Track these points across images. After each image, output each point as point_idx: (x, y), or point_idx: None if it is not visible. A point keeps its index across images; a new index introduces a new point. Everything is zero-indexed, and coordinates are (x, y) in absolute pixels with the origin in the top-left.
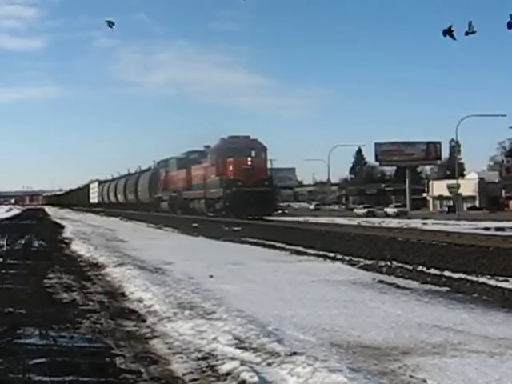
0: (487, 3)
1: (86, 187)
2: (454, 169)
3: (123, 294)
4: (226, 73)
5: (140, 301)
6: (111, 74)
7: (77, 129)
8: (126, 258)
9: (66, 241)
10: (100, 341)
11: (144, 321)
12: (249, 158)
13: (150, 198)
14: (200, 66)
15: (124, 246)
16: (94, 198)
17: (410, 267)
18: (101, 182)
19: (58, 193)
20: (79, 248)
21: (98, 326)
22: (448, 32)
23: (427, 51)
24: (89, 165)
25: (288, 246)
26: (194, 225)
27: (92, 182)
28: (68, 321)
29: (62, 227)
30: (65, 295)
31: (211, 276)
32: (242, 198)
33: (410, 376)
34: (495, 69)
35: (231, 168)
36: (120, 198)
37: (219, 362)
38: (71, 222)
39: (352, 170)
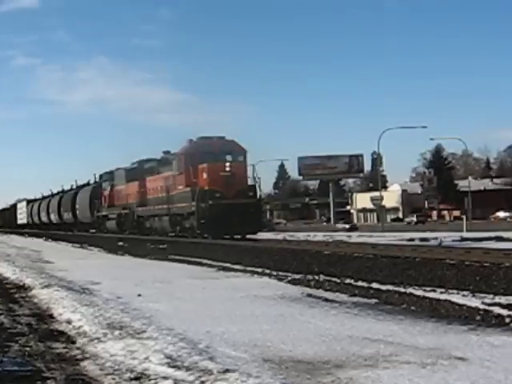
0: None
1: (13, 207)
2: (376, 181)
3: (52, 316)
4: (148, 90)
5: (69, 322)
6: (32, 93)
7: None
8: (53, 279)
9: None
10: (30, 364)
11: (74, 342)
12: (227, 164)
13: (91, 217)
14: (122, 84)
15: (50, 267)
16: (22, 219)
17: (338, 280)
18: (30, 201)
19: None
20: (4, 270)
21: (28, 348)
22: None
23: (348, 64)
24: (14, 185)
25: (215, 263)
26: (120, 243)
27: (19, 201)
28: None
29: None
30: None
31: (139, 295)
32: (221, 213)
33: None
34: (415, 80)
35: (205, 176)
36: (53, 217)
37: (152, 381)
38: None
39: (275, 185)
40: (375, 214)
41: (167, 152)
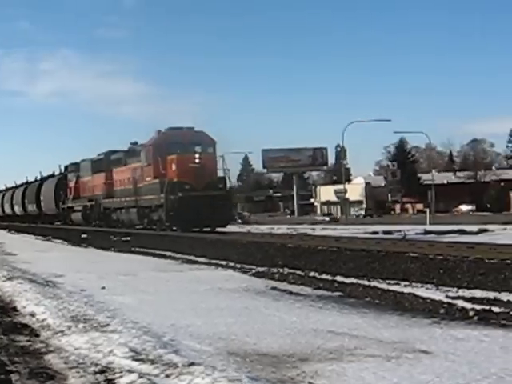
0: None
1: None
2: (340, 174)
3: (15, 309)
4: (111, 81)
5: (32, 315)
6: None
7: None
8: (16, 271)
9: None
10: None
11: (38, 335)
12: (196, 155)
13: (56, 209)
14: (86, 75)
15: (13, 259)
16: None
17: (302, 273)
18: None
19: None
20: None
21: None
22: None
23: (312, 58)
24: None
25: (178, 255)
26: (83, 236)
27: None
28: None
29: None
30: None
31: (103, 287)
32: (190, 206)
33: (309, 383)
34: (379, 74)
35: (174, 167)
36: (17, 209)
37: (117, 375)
38: None
39: (239, 178)
40: (339, 207)
41: (135, 143)
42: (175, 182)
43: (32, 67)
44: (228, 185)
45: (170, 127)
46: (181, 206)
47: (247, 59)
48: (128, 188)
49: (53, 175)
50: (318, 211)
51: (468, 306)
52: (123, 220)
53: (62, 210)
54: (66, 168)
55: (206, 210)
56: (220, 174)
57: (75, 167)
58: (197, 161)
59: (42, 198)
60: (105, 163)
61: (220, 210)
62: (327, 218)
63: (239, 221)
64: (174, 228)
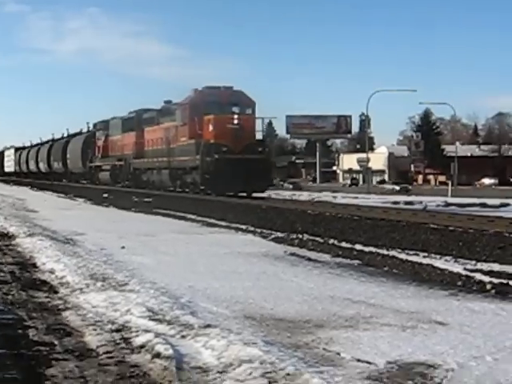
0: None
1: (0, 154)
2: (363, 143)
3: (35, 265)
4: (138, 42)
5: (52, 272)
6: (22, 41)
7: None
8: (37, 228)
9: None
10: (12, 312)
11: (56, 292)
12: (235, 116)
13: (83, 168)
14: (112, 35)
15: (34, 216)
16: (9, 167)
17: (322, 240)
18: (18, 149)
19: None
20: None
21: (10, 297)
22: None
23: (339, 27)
24: (2, 132)
25: (199, 218)
26: (105, 195)
27: (7, 148)
28: None
29: None
30: None
31: (123, 247)
32: (227, 169)
33: (324, 349)
34: (406, 44)
35: (211, 128)
36: (42, 166)
37: (133, 334)
38: None
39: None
40: (361, 176)
41: (169, 102)
42: (212, 144)
43: (59, 25)
44: (267, 148)
45: (207, 86)
46: (217, 169)
47: (273, 25)
48: (160, 148)
49: (80, 133)
50: (340, 179)
51: (486, 279)
52: (154, 181)
53: (89, 169)
54: (94, 126)
55: (244, 173)
56: (259, 136)
57: (104, 125)
58: (235, 122)
59: (68, 155)
60: (136, 122)
61: (258, 174)
62: (397, 188)
63: (290, 186)
64: (209, 192)
